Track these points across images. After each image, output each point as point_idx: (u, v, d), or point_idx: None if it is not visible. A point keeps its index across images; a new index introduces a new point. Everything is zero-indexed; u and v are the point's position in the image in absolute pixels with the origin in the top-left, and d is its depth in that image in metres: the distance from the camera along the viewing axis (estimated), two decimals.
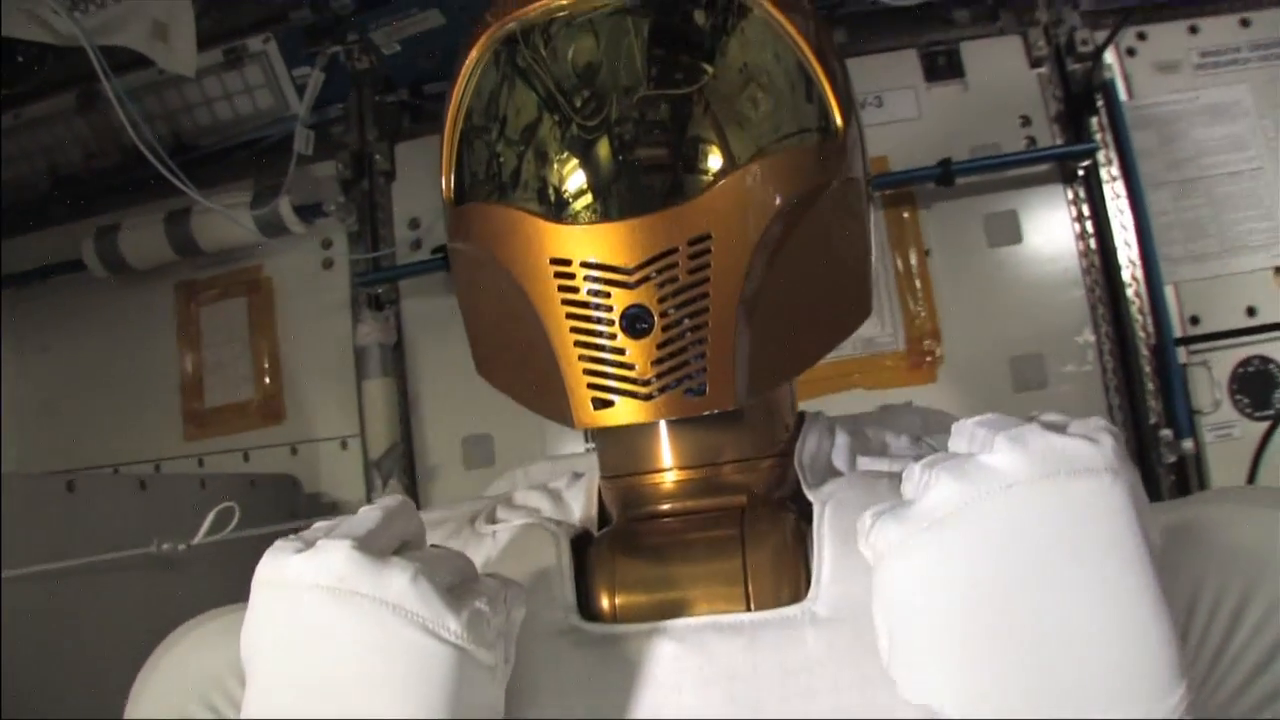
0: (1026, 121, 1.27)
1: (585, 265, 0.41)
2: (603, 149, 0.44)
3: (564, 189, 0.45)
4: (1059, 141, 1.26)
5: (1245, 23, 1.27)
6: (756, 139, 0.45)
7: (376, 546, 0.36)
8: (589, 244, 0.41)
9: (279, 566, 0.36)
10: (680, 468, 0.47)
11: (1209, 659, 0.38)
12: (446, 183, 0.49)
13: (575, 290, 0.42)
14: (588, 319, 0.42)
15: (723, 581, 0.43)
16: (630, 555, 0.45)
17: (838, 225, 0.47)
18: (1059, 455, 0.33)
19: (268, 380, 1.41)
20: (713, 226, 0.41)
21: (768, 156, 0.44)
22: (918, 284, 1.25)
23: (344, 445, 1.37)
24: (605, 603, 0.44)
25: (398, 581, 0.35)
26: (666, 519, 0.47)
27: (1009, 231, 1.26)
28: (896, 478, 0.44)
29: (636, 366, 0.41)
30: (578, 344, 0.42)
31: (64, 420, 1.46)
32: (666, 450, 0.48)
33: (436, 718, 0.34)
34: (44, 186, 1.47)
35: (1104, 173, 1.24)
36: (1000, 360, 1.23)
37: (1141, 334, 1.21)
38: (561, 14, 0.45)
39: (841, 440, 0.51)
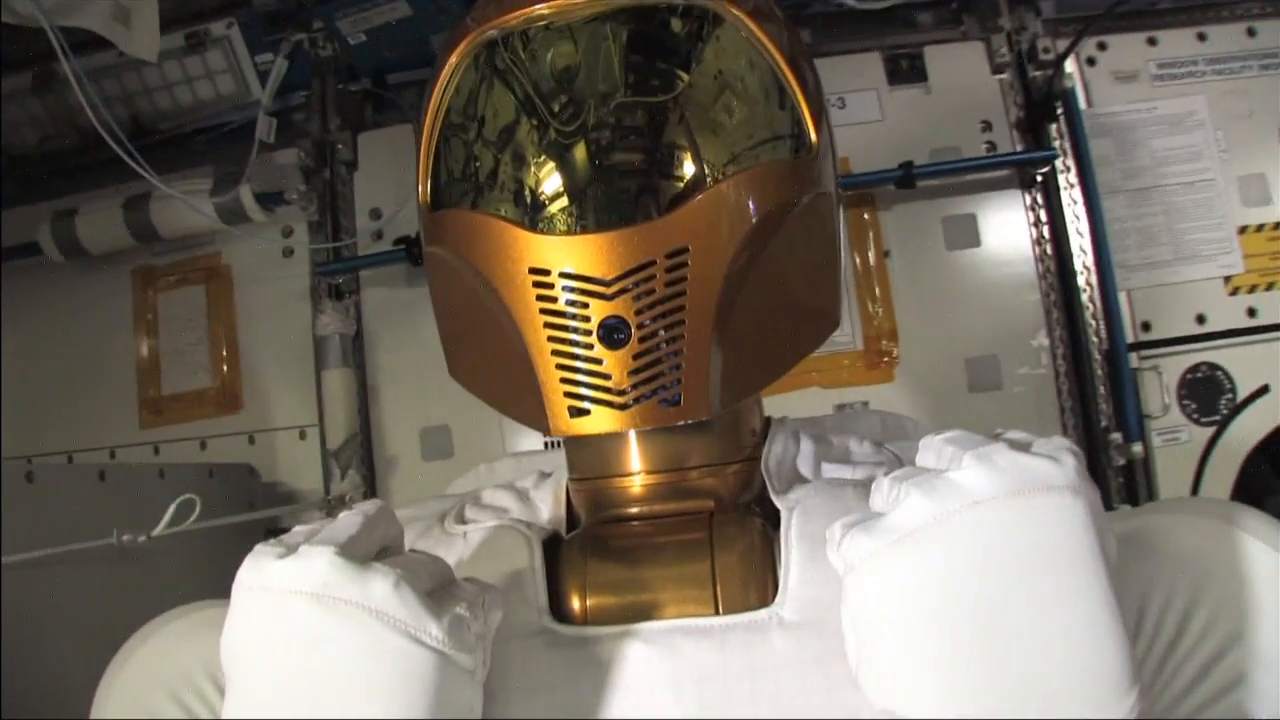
0: (987, 126, 1.29)
1: (564, 276, 0.42)
2: (580, 156, 0.45)
3: (542, 197, 0.45)
4: (1019, 147, 1.28)
5: (1202, 36, 1.30)
6: (732, 150, 0.46)
7: (358, 553, 0.37)
8: (568, 255, 0.42)
9: (261, 571, 0.37)
10: (649, 472, 0.48)
11: (1157, 660, 0.39)
12: (423, 188, 0.49)
13: (553, 300, 0.42)
14: (565, 328, 0.42)
15: (692, 585, 0.44)
16: (600, 558, 0.46)
17: (810, 239, 0.48)
18: (1024, 473, 0.34)
19: (225, 368, 1.39)
20: (690, 240, 0.42)
21: (744, 171, 0.45)
22: (876, 285, 1.27)
23: (302, 435, 1.36)
24: (577, 604, 0.44)
25: (380, 588, 0.35)
26: (635, 522, 0.48)
27: (967, 235, 1.27)
28: (861, 485, 0.46)
29: (613, 376, 0.42)
30: (555, 353, 0.43)
31: (17, 406, 1.43)
32: (635, 454, 0.48)
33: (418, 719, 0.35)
34: None
35: (1062, 179, 1.26)
36: (956, 361, 1.25)
37: (1095, 339, 1.24)
38: (542, 22, 0.46)
39: (806, 446, 0.52)
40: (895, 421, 0.65)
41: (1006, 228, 1.28)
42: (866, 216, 1.28)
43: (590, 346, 0.42)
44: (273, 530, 1.33)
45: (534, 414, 0.44)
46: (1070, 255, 1.25)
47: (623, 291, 0.41)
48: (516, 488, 0.55)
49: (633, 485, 0.48)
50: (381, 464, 1.32)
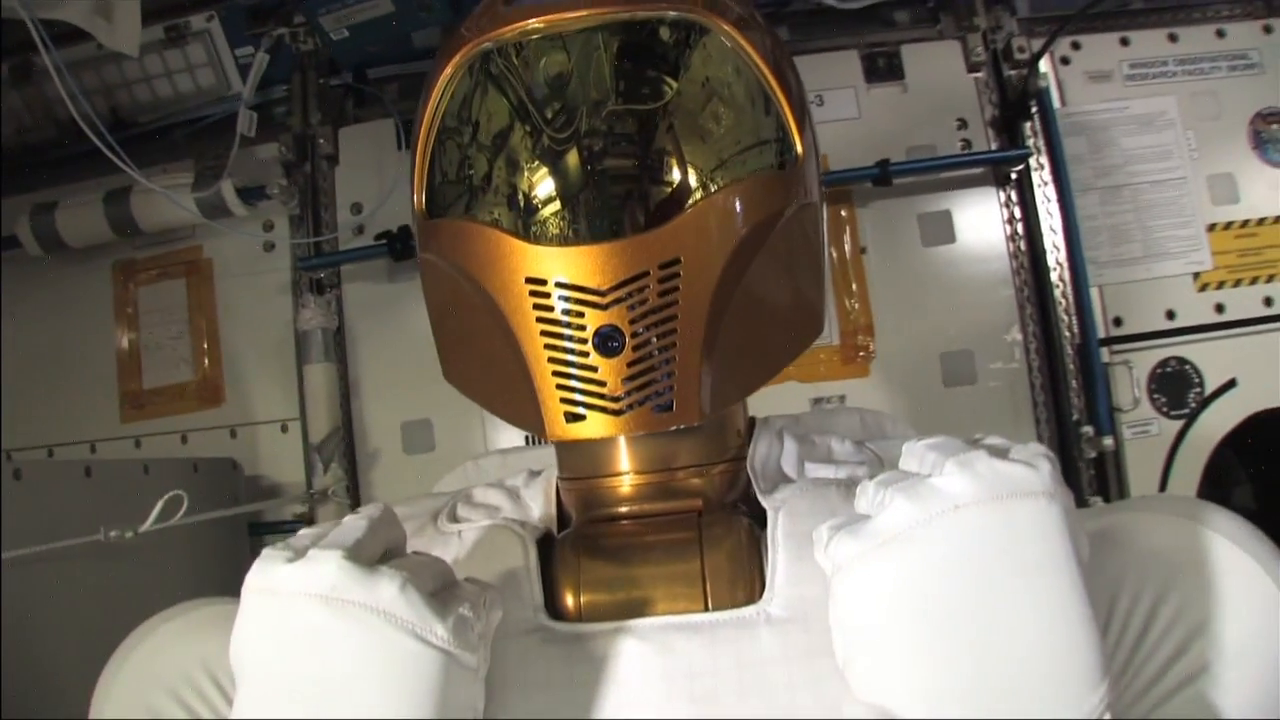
0: (963, 124, 1.30)
1: (560, 285, 0.43)
2: (573, 162, 0.46)
3: (537, 204, 0.46)
4: (994, 145, 1.30)
5: (1173, 38, 1.32)
6: (720, 156, 0.47)
7: (365, 556, 0.38)
8: (564, 265, 0.43)
9: (271, 575, 0.38)
10: (637, 472, 0.50)
11: (1127, 650, 0.41)
12: (418, 196, 0.50)
13: (550, 309, 0.43)
14: (561, 336, 0.44)
15: (682, 582, 0.45)
16: (592, 556, 0.47)
17: (796, 248, 0.50)
18: (1002, 480, 0.36)
19: (207, 362, 1.39)
20: (682, 251, 0.43)
21: (733, 184, 0.46)
22: (853, 281, 1.28)
23: (284, 428, 1.37)
24: (571, 602, 0.46)
25: (387, 590, 0.37)
26: (624, 521, 0.50)
27: (943, 231, 1.29)
28: (844, 485, 0.48)
29: (608, 384, 0.43)
30: (551, 360, 0.44)
31: None
32: (624, 455, 0.50)
33: (425, 718, 0.36)
34: None
35: (1036, 177, 1.28)
36: (931, 356, 1.27)
37: (1067, 333, 1.26)
38: (537, 35, 0.47)
39: (790, 446, 0.53)
40: (874, 419, 0.67)
41: (981, 224, 1.30)
42: (844, 213, 1.29)
43: (586, 354, 0.43)
44: (256, 525, 1.34)
45: (530, 419, 0.46)
46: (1043, 252, 1.27)
47: (617, 301, 0.43)
48: (506, 486, 0.56)
49: (622, 485, 0.50)
50: (363, 458, 1.33)
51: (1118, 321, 1.28)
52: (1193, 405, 1.26)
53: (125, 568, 0.96)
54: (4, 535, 0.84)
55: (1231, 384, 1.26)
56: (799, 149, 0.49)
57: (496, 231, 0.45)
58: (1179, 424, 1.26)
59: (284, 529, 1.33)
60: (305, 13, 1.28)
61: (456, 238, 0.47)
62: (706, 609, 0.45)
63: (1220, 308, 1.28)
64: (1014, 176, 1.29)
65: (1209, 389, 1.26)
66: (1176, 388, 1.26)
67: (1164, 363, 1.27)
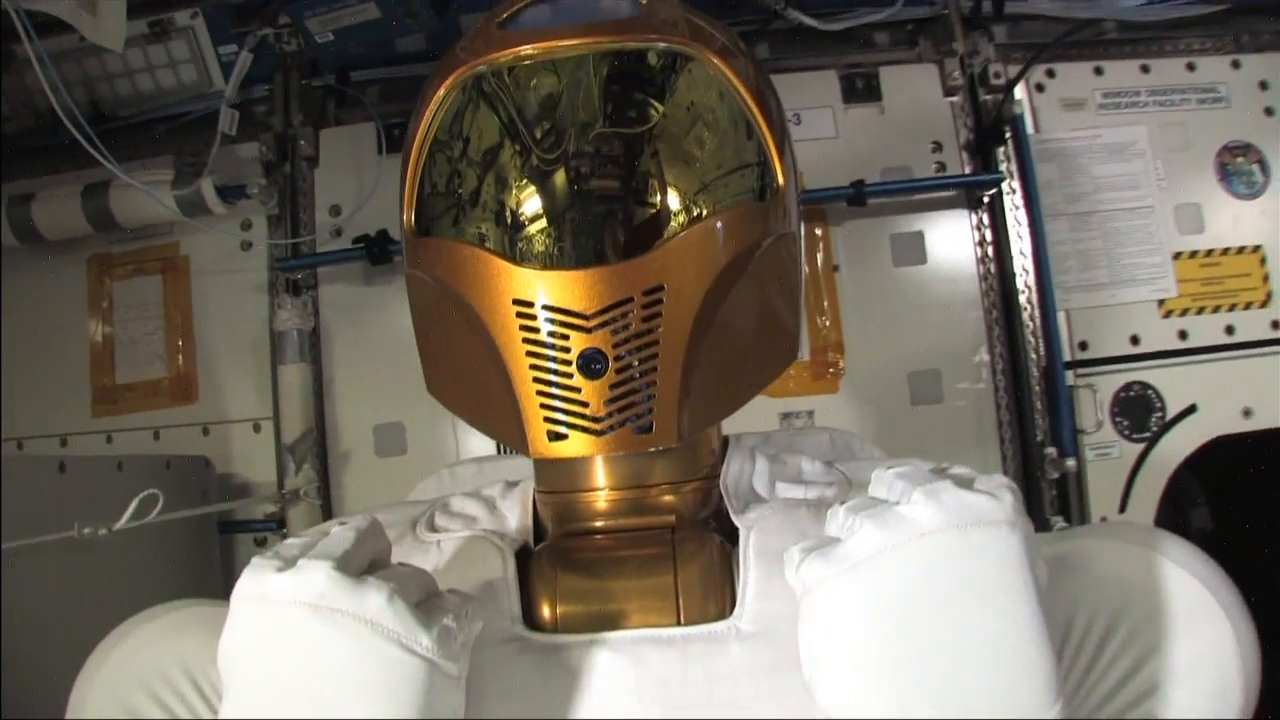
0: (938, 147, 1.32)
1: (546, 308, 0.45)
2: (561, 182, 0.47)
3: (525, 226, 0.48)
4: (967, 169, 1.32)
5: (1145, 69, 1.35)
6: (703, 180, 0.49)
7: (353, 566, 0.40)
8: (550, 289, 0.45)
9: (261, 583, 0.39)
10: (613, 488, 0.51)
11: (1081, 670, 0.43)
12: (408, 215, 0.52)
13: (535, 330, 0.45)
14: (546, 358, 0.45)
15: (655, 596, 0.47)
16: (569, 570, 0.49)
17: (775, 276, 0.51)
18: (966, 509, 0.38)
19: (181, 359, 1.39)
20: (665, 279, 0.45)
21: (716, 214, 0.48)
22: (824, 298, 1.30)
23: (256, 428, 1.37)
24: (547, 613, 0.48)
25: (375, 600, 0.38)
26: (599, 535, 0.51)
27: (915, 252, 1.31)
28: (813, 505, 0.50)
29: (590, 404, 0.45)
30: (535, 379, 0.45)
31: None
32: (600, 471, 0.51)
33: None
34: None
35: (1008, 201, 1.30)
36: (899, 375, 1.29)
37: (1033, 356, 1.28)
38: (529, 61, 0.48)
39: (761, 465, 0.55)
40: (843, 439, 0.69)
41: (952, 246, 1.32)
42: (818, 231, 1.31)
43: (569, 375, 0.45)
44: (226, 523, 1.34)
45: (513, 435, 0.47)
46: (1013, 275, 1.29)
47: (602, 325, 0.45)
48: (483, 496, 0.57)
49: (597, 500, 0.52)
50: (335, 459, 1.33)
51: (1083, 345, 1.30)
52: (1154, 429, 1.28)
53: (95, 563, 0.96)
54: None
55: (1192, 409, 1.28)
56: (780, 179, 0.51)
57: (485, 252, 0.47)
58: (1140, 447, 1.28)
59: (255, 528, 1.33)
60: (291, 15, 1.28)
61: (445, 256, 0.49)
62: (679, 623, 0.46)
63: (1184, 334, 1.31)
64: (986, 200, 1.31)
65: (1170, 413, 1.28)
66: (1139, 411, 1.29)
67: (1127, 387, 1.29)
